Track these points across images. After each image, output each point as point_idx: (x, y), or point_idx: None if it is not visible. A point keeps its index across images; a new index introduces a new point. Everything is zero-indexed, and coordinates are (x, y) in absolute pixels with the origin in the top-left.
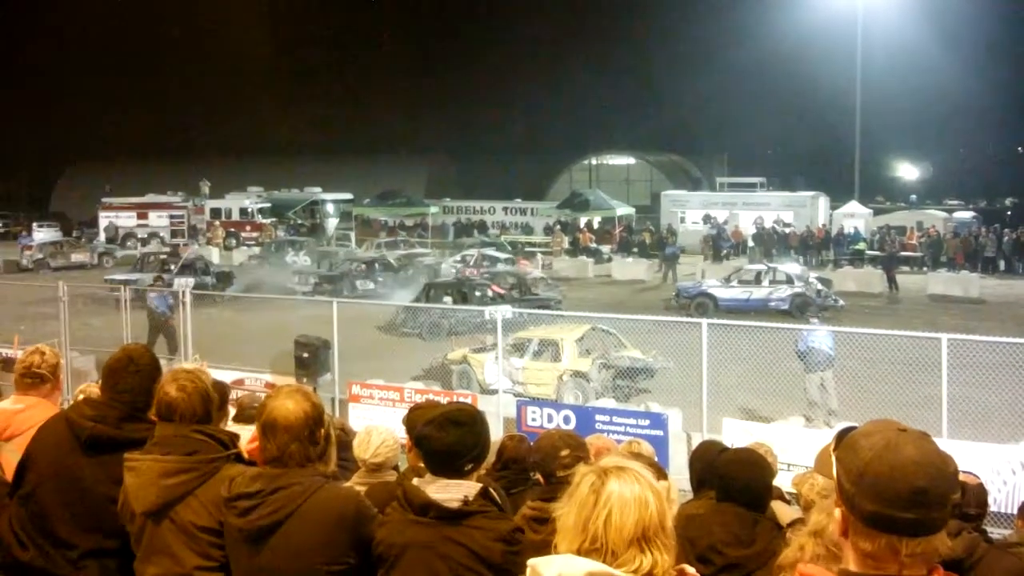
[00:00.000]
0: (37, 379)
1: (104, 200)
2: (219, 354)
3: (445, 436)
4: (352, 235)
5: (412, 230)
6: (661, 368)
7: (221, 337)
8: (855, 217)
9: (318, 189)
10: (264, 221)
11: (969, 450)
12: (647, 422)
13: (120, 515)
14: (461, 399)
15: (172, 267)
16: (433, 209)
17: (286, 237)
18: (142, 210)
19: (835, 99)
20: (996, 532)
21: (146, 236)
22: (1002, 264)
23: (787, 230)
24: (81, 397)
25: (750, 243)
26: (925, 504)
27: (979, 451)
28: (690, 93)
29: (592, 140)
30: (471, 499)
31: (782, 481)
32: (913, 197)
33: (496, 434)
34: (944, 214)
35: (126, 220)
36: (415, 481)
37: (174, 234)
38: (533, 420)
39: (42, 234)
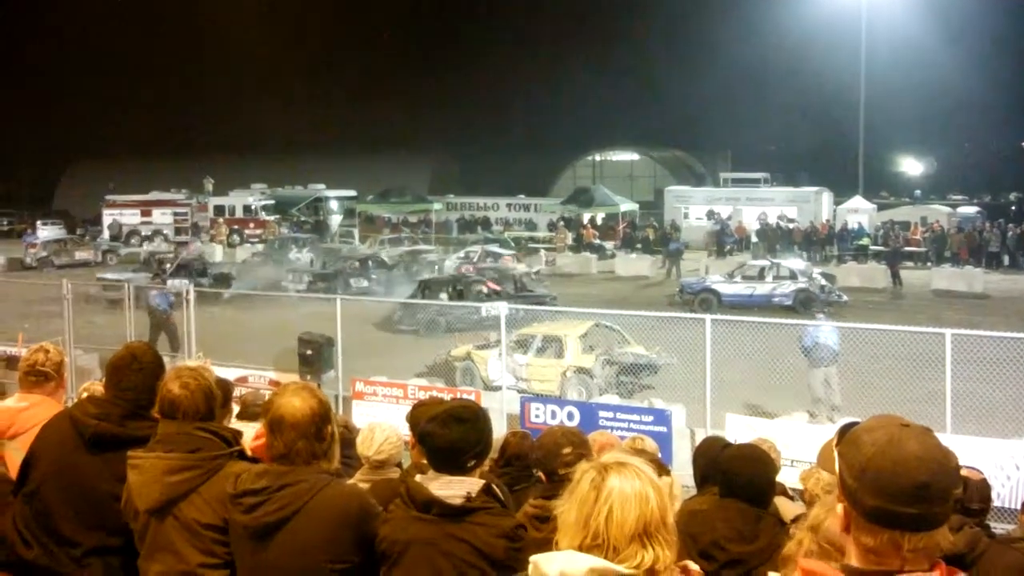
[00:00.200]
0: (41, 377)
1: (108, 197)
2: (222, 352)
3: (448, 433)
4: (355, 232)
5: (416, 226)
6: (665, 364)
7: (224, 335)
8: (859, 212)
9: (322, 186)
10: (267, 218)
11: (973, 445)
12: (651, 418)
13: (124, 513)
14: (464, 396)
15: (168, 266)
16: (437, 205)
17: (289, 234)
18: (146, 207)
19: (839, 94)
20: (1000, 527)
21: (150, 233)
22: (1006, 259)
23: (791, 226)
24: (85, 395)
25: (754, 239)
26: (927, 499)
27: (983, 446)
28: (694, 89)
29: (595, 136)
30: (474, 496)
31: (785, 477)
32: (917, 192)
33: (499, 431)
34: (948, 209)
35: (130, 217)
36: (418, 478)
37: (178, 231)
38: (537, 417)
39: (46, 232)
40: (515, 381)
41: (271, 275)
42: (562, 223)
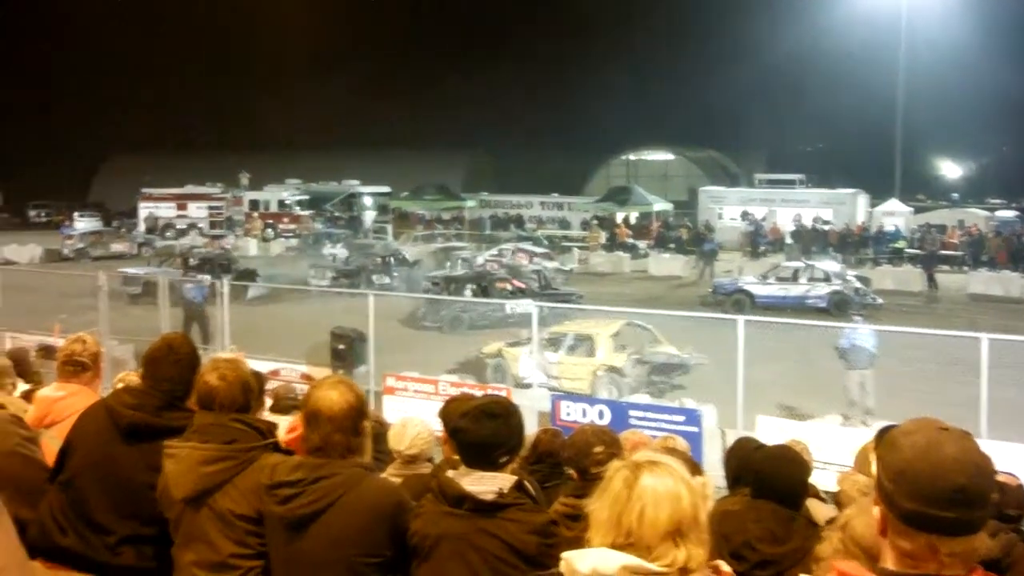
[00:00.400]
0: (79, 367)
1: (144, 191)
2: (254, 345)
3: (480, 428)
4: (389, 228)
5: (449, 224)
6: (696, 364)
7: (256, 328)
8: (895, 215)
9: (356, 182)
10: (302, 213)
11: (1008, 451)
12: (682, 418)
13: (159, 502)
14: (495, 392)
15: (191, 261)
16: (470, 203)
17: (323, 229)
18: (181, 201)
19: (876, 95)
20: None
21: (185, 227)
22: None
23: (826, 227)
24: (120, 385)
25: (788, 240)
26: (966, 503)
27: (1019, 452)
28: (729, 89)
29: (630, 135)
30: (506, 491)
31: (817, 479)
32: (955, 195)
33: (530, 428)
34: (986, 213)
35: (165, 211)
36: (450, 473)
37: (212, 225)
38: (567, 415)
39: (83, 224)
40: (546, 379)
41: (296, 272)
42: (595, 222)
